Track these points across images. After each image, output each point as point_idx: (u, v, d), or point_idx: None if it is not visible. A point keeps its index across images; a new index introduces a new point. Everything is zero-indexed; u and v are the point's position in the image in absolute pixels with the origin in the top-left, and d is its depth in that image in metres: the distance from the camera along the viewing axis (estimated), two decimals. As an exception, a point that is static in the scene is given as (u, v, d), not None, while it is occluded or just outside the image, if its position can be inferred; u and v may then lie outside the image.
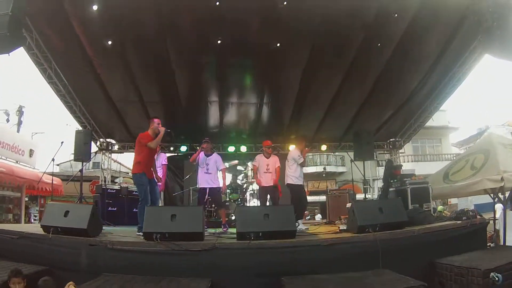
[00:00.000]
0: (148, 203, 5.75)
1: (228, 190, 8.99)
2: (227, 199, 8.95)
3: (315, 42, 7.70)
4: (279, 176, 7.40)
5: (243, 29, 7.30)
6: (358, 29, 7.46)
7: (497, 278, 4.16)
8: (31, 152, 12.09)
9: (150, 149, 5.91)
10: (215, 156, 7.12)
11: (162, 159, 7.77)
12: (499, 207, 7.44)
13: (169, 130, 6.14)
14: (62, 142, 7.83)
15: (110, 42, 7.54)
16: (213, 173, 6.96)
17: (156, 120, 6.11)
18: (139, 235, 5.27)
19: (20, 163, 11.33)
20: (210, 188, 6.85)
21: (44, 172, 9.19)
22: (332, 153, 19.65)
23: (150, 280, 4.14)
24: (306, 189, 21.24)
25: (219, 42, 7.44)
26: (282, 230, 4.92)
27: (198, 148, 7.24)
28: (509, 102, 53.21)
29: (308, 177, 21.36)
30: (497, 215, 7.57)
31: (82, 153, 8.10)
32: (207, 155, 7.03)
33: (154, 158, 6.33)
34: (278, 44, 7.66)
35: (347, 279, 4.27)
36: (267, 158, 7.46)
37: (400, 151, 12.48)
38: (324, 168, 13.75)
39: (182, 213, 4.95)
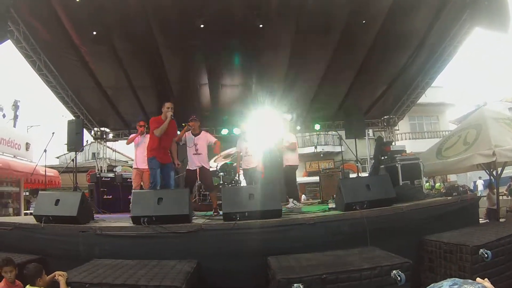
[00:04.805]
0: (157, 187, 5.73)
1: (221, 173, 8.94)
2: (221, 182, 8.90)
3: (300, 20, 7.59)
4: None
5: (226, 11, 7.20)
6: (344, 5, 7.35)
7: (486, 255, 4.10)
8: (27, 146, 12.11)
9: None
10: (203, 135, 6.66)
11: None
12: (480, 183, 7.45)
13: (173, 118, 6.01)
14: (53, 133, 7.80)
15: (95, 29, 7.49)
16: (203, 153, 6.54)
17: (166, 104, 6.05)
18: None
19: (17, 157, 11.37)
20: (200, 168, 6.50)
21: (37, 164, 9.19)
22: (325, 133, 19.65)
23: (137, 263, 4.18)
24: (304, 170, 21.52)
25: (202, 26, 7.34)
26: (268, 210, 4.93)
27: (184, 125, 6.65)
28: (507, 79, 52.71)
29: (305, 157, 21.42)
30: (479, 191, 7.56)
31: (74, 143, 8.09)
32: (195, 135, 6.60)
33: (170, 142, 6.23)
34: (261, 25, 7.53)
35: (331, 257, 4.22)
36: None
37: (396, 128, 12.44)
38: (315, 148, 13.68)
39: (169, 196, 4.99)
